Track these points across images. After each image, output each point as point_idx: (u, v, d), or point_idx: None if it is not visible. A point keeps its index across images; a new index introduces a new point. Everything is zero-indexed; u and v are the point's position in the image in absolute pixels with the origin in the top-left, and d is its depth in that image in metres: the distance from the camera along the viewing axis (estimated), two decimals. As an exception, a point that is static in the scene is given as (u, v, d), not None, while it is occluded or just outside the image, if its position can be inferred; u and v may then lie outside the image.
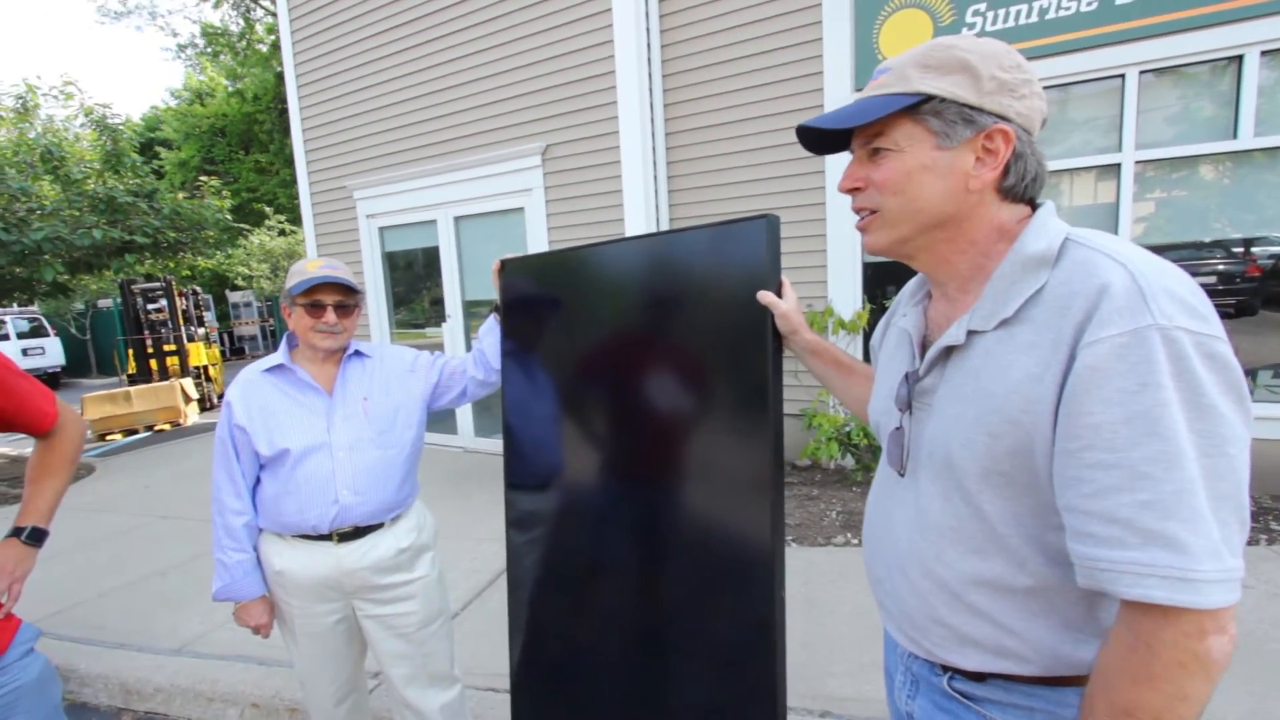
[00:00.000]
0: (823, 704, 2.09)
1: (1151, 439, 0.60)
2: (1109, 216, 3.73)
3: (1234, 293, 3.63)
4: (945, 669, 0.84)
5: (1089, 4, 3.55)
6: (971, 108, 0.74)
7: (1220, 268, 3.67)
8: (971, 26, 3.80)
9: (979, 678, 0.80)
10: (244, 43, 20.25)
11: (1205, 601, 0.59)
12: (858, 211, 0.86)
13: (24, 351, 13.98)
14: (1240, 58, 3.35)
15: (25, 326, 14.35)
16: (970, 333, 0.77)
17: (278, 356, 1.61)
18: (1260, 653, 2.18)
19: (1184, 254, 3.66)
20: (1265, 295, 3.61)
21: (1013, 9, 3.71)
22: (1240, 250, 3.62)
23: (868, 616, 2.57)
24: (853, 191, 0.84)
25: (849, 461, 4.36)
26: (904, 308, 0.97)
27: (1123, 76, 3.58)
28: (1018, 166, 0.77)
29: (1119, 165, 3.66)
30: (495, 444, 5.60)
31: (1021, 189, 0.78)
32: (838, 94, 4.09)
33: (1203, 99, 3.52)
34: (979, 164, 0.76)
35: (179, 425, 8.26)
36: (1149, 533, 0.60)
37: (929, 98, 0.75)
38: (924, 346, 0.88)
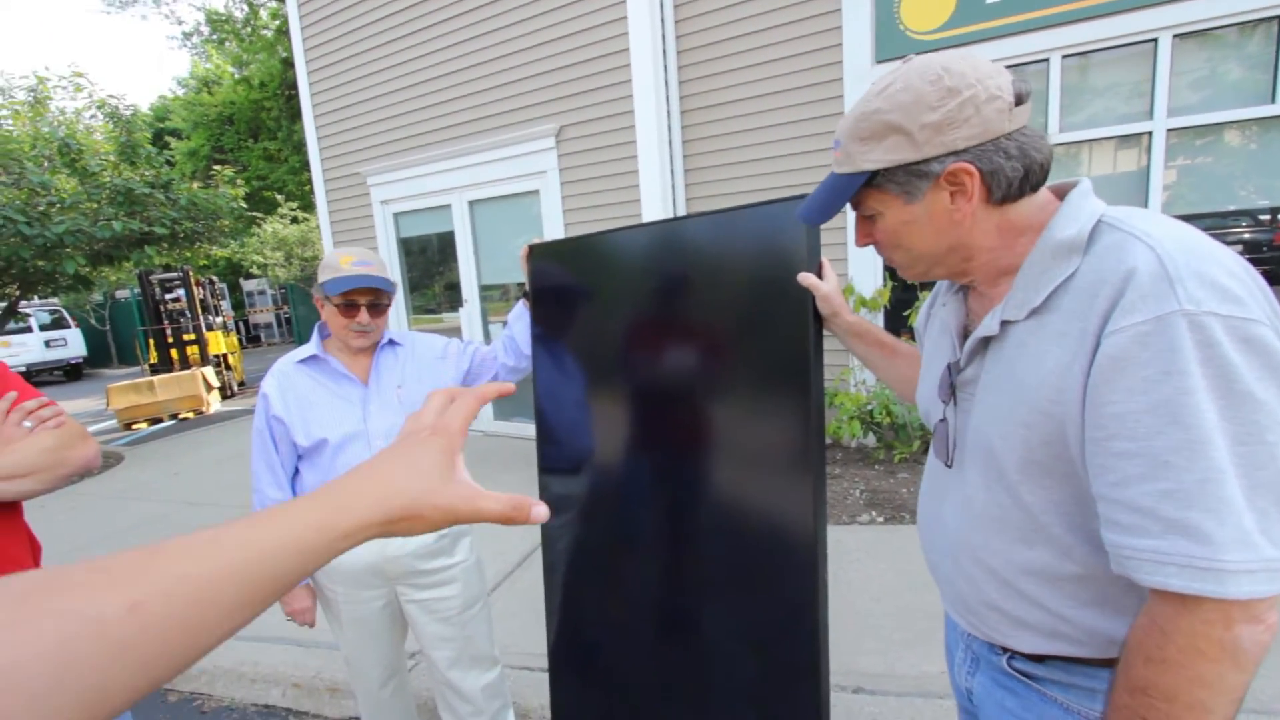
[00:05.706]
0: (855, 680, 2.12)
1: (1174, 428, 0.59)
2: (1139, 186, 3.64)
3: (1261, 262, 3.55)
4: (1004, 649, 0.84)
5: (1120, -34, 3.43)
6: (916, 164, 0.75)
7: (1246, 236, 3.58)
8: (996, -7, 3.68)
9: (1038, 659, 0.81)
10: (249, 29, 20.12)
11: (1230, 591, 0.57)
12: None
13: (46, 343, 14.24)
14: (1278, 18, 3.23)
15: (47, 319, 14.58)
16: (1004, 323, 0.76)
17: (310, 348, 1.61)
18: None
19: (1208, 223, 3.57)
20: (1294, 264, 3.54)
21: (1039, -27, 3.59)
22: (1267, 218, 3.53)
23: (897, 595, 2.58)
24: (867, 245, 0.90)
25: (870, 440, 4.35)
26: (944, 296, 0.96)
27: (1155, 40, 3.46)
28: (997, 180, 0.73)
29: (1149, 133, 3.56)
30: (515, 427, 5.63)
31: (1016, 190, 0.74)
32: (857, 68, 4.00)
33: (1237, 63, 3.40)
34: (955, 199, 0.76)
35: (202, 413, 8.41)
36: (1169, 521, 0.60)
37: (875, 173, 0.77)
38: (964, 336, 0.87)
